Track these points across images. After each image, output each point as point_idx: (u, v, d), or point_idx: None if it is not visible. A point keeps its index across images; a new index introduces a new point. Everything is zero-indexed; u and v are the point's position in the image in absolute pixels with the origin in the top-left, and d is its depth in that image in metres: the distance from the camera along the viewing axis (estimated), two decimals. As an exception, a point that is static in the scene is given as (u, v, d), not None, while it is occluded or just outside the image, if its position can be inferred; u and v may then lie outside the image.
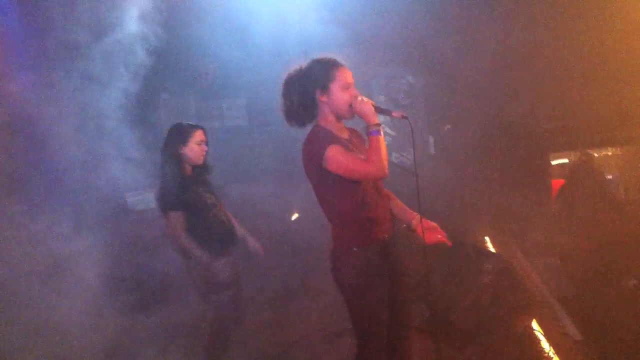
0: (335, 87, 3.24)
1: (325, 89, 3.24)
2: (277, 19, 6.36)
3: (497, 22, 6.83)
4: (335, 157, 3.13)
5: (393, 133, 7.00)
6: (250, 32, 6.17)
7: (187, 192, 4.11)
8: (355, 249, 3.28)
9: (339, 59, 3.39)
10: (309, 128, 3.42)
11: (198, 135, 4.21)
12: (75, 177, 5.24)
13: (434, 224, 3.55)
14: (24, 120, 5.15)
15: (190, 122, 4.33)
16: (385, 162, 3.16)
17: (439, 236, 3.52)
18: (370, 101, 3.28)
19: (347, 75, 3.29)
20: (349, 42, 7.04)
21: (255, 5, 6.10)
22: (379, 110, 3.26)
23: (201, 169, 4.29)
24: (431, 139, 7.14)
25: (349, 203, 3.25)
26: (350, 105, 3.25)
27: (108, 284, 5.26)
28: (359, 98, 3.26)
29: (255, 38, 6.21)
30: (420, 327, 4.75)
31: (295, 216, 6.66)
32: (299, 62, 3.39)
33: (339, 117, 3.33)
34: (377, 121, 3.20)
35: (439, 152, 7.15)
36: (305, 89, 3.28)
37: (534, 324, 4.70)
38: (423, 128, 7.11)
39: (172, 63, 6.17)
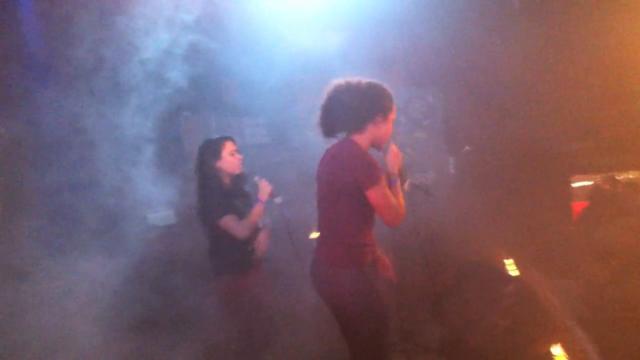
0: (390, 119, 3.43)
1: (385, 116, 3.39)
2: (298, 40, 6.42)
3: (518, 41, 6.81)
4: (382, 190, 3.25)
5: (413, 153, 6.98)
6: (271, 52, 6.23)
7: (230, 205, 4.16)
8: (359, 269, 3.38)
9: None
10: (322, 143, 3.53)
11: (229, 145, 4.28)
12: (97, 195, 5.31)
13: (387, 261, 3.71)
14: (45, 136, 5.25)
15: (218, 136, 4.40)
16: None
17: (389, 274, 3.69)
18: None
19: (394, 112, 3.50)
20: (367, 62, 7.07)
21: (277, 27, 6.15)
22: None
23: (239, 179, 4.33)
24: (451, 160, 7.11)
25: (365, 227, 3.41)
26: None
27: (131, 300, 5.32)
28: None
29: (276, 58, 6.26)
30: (436, 348, 4.72)
31: (315, 235, 6.65)
32: (344, 78, 3.51)
33: (371, 146, 3.47)
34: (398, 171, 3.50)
35: (458, 173, 7.11)
36: (366, 107, 3.36)
37: (555, 349, 4.63)
38: (442, 149, 7.09)
39: (193, 81, 6.22)
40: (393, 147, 3.52)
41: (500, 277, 5.04)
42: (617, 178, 6.87)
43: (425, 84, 7.21)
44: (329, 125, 3.43)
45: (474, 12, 6.79)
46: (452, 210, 6.76)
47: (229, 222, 4.10)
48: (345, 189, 3.29)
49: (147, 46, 5.80)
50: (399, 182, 3.46)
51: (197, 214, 4.27)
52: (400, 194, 3.42)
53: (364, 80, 3.45)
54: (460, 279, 5.33)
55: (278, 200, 4.34)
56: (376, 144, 3.47)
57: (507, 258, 6.15)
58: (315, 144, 5.08)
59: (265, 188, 4.25)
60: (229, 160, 4.24)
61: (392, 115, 3.46)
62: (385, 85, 3.48)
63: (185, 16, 5.79)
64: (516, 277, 5.60)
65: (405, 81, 7.46)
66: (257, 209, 4.21)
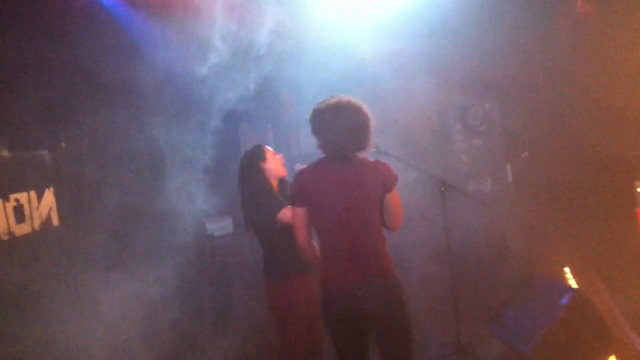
0: None
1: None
2: (355, 51, 6.47)
3: (579, 45, 6.69)
4: (396, 193, 3.53)
5: (469, 161, 6.93)
6: (325, 65, 6.29)
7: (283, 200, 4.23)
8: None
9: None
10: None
11: (268, 149, 4.41)
12: (155, 206, 5.48)
13: None
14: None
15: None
16: None
17: None
18: None
19: None
20: (423, 70, 7.07)
21: (334, 40, 6.22)
22: None
23: (283, 184, 4.40)
24: (509, 167, 7.02)
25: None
26: None
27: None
28: None
29: (329, 70, 6.33)
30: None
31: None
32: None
33: None
34: None
35: (516, 180, 7.02)
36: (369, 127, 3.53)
37: (613, 362, 4.53)
38: (500, 156, 7.01)
39: (252, 93, 6.36)
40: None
41: (558, 287, 4.93)
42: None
43: (482, 91, 7.14)
44: (336, 144, 3.44)
45: (531, 18, 6.70)
46: (510, 219, 6.69)
47: (288, 213, 4.04)
48: (380, 195, 3.47)
49: (207, 60, 5.98)
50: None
51: (248, 220, 4.32)
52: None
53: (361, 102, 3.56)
54: (519, 290, 5.25)
55: None
56: None
57: (566, 267, 6.02)
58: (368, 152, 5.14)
59: None
60: (274, 160, 4.34)
61: None
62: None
63: (243, 30, 5.95)
64: (574, 286, 5.49)
65: (462, 88, 7.42)
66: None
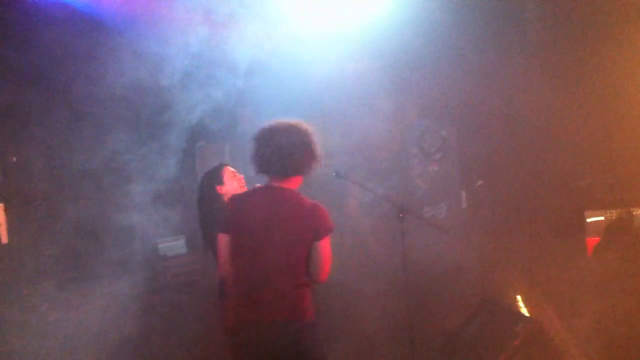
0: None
1: (318, 163, 3.38)
2: (314, 68, 6.46)
3: (533, 74, 6.83)
4: (328, 243, 3.28)
5: (424, 185, 6.98)
6: (286, 82, 6.26)
7: None
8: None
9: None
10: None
11: (228, 170, 4.27)
12: (108, 224, 5.34)
13: None
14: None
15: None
16: None
17: None
18: None
19: None
20: (384, 92, 7.11)
21: (294, 57, 6.19)
22: None
23: None
24: (463, 194, 7.10)
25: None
26: None
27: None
28: None
29: (291, 88, 6.30)
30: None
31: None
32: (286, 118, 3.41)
33: None
34: None
35: (471, 207, 7.09)
36: (311, 152, 3.33)
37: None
38: (455, 182, 7.08)
39: (208, 110, 6.27)
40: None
41: (511, 314, 4.98)
42: (634, 212, 6.80)
43: (439, 117, 7.23)
44: (265, 163, 3.32)
45: (489, 45, 6.82)
46: (465, 244, 6.74)
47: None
48: (309, 237, 3.23)
49: (163, 75, 5.88)
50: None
51: (207, 242, 4.23)
52: None
53: (305, 124, 3.39)
54: (471, 316, 5.28)
55: None
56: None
57: (518, 295, 6.09)
58: (325, 173, 5.11)
59: None
60: (232, 184, 4.23)
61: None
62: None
63: (202, 45, 5.87)
64: (527, 314, 5.55)
65: (419, 113, 7.49)
66: None
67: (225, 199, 4.13)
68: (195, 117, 5.96)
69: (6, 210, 4.49)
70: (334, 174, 4.89)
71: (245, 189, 4.22)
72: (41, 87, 5.38)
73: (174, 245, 6.26)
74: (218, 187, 4.17)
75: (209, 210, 4.13)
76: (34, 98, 5.36)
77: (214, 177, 4.24)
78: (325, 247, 3.24)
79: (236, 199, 3.42)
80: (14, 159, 5.18)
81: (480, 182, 7.14)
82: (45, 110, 5.29)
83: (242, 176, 4.31)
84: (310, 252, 3.25)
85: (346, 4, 6.17)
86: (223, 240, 3.37)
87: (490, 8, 6.57)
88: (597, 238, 6.84)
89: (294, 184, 3.36)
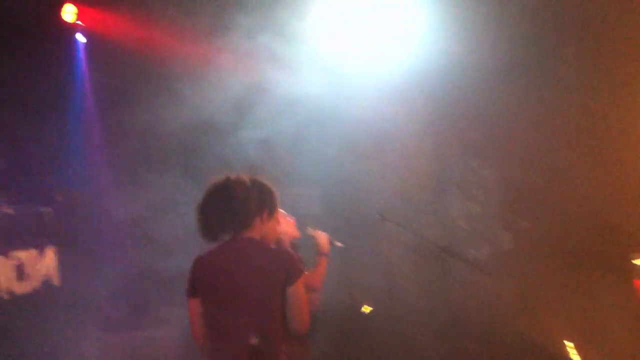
0: (277, 218, 3.30)
1: (272, 214, 3.24)
2: (352, 109, 6.47)
3: (577, 112, 6.71)
4: (301, 287, 3.08)
5: (465, 226, 6.87)
6: (325, 123, 6.28)
7: None
8: None
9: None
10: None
11: (279, 212, 4.19)
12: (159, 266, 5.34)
13: None
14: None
15: None
16: None
17: None
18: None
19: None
20: (422, 133, 7.08)
21: (329, 96, 6.22)
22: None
23: (297, 247, 4.24)
24: (506, 235, 6.95)
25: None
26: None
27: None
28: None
29: (330, 129, 6.32)
30: None
31: (365, 309, 6.54)
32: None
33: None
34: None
35: (515, 249, 6.93)
36: (253, 202, 3.16)
37: None
38: (498, 222, 6.95)
39: (247, 150, 6.31)
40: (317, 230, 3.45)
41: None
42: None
43: (480, 156, 7.14)
44: (212, 227, 3.10)
45: (531, 83, 6.72)
46: (509, 287, 6.58)
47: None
48: (273, 287, 3.03)
49: (204, 115, 5.96)
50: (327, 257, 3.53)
51: None
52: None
53: (246, 175, 3.22)
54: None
55: (339, 244, 4.23)
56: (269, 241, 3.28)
57: (568, 340, 5.88)
58: (367, 214, 5.03)
59: (323, 237, 4.15)
60: (285, 224, 4.18)
61: (277, 216, 3.29)
62: (270, 183, 3.31)
63: (240, 85, 5.96)
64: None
65: (459, 152, 7.42)
66: (323, 260, 4.05)
67: (282, 241, 4.09)
68: (234, 155, 6.01)
69: (57, 252, 4.55)
70: (377, 216, 4.85)
71: (297, 234, 4.17)
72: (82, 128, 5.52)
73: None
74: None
75: None
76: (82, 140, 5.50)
77: None
78: (298, 291, 3.04)
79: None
80: (61, 199, 5.27)
81: (524, 222, 6.99)
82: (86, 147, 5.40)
83: (294, 219, 4.20)
84: (286, 302, 3.06)
85: (384, 42, 6.20)
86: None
87: (532, 46, 6.50)
88: (647, 281, 6.62)
89: (256, 231, 3.18)
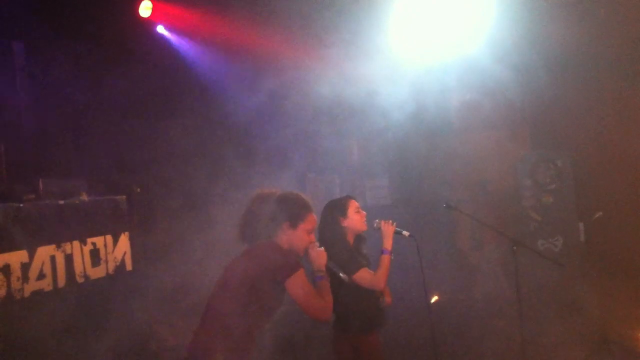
0: (302, 228, 3.44)
1: (294, 224, 3.42)
2: (422, 99, 6.47)
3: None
4: (301, 279, 3.21)
5: (539, 218, 6.78)
6: (394, 113, 6.30)
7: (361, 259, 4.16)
8: None
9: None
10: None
11: (353, 203, 4.22)
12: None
13: None
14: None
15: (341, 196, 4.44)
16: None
17: None
18: None
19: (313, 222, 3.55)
20: (495, 123, 7.01)
21: (400, 90, 6.23)
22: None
23: (360, 240, 4.31)
24: (581, 226, 6.81)
25: (255, 329, 3.31)
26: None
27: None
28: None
29: (398, 118, 6.33)
30: None
31: (435, 299, 6.56)
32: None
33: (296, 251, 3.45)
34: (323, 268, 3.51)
35: (589, 240, 6.79)
36: (276, 214, 3.41)
37: None
38: (572, 214, 6.82)
39: (315, 144, 6.42)
40: (314, 247, 3.50)
41: (635, 357, 4.71)
42: None
43: (553, 146, 7.02)
44: (248, 233, 3.47)
45: (605, 70, 6.55)
46: (582, 279, 6.47)
47: (365, 274, 4.00)
48: (264, 283, 3.22)
49: (276, 113, 6.09)
50: (325, 279, 3.42)
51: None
52: (328, 290, 3.37)
53: (280, 190, 3.52)
54: (593, 355, 5.04)
55: (406, 233, 4.27)
56: (294, 250, 3.45)
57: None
58: (436, 204, 5.02)
59: (389, 230, 4.18)
60: (356, 218, 4.23)
61: (306, 225, 3.47)
62: (303, 195, 3.55)
63: (312, 81, 6.05)
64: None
65: (532, 144, 7.32)
66: (385, 258, 4.09)
67: (345, 230, 4.18)
68: (304, 150, 6.12)
69: (131, 238, 4.76)
70: (444, 205, 4.84)
71: (365, 227, 4.26)
72: (162, 125, 5.73)
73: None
74: (341, 219, 4.18)
75: (329, 240, 4.15)
76: (158, 133, 5.71)
77: (339, 208, 4.22)
78: (294, 288, 3.20)
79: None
80: (139, 189, 5.49)
81: (599, 213, 6.83)
82: (169, 142, 5.60)
83: (364, 213, 4.26)
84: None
85: (453, 33, 6.16)
86: None
87: (605, 34, 6.33)
88: None
89: (280, 238, 3.43)
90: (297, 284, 3.20)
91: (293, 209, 3.47)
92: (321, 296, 3.30)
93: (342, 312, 4.13)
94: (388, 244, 4.13)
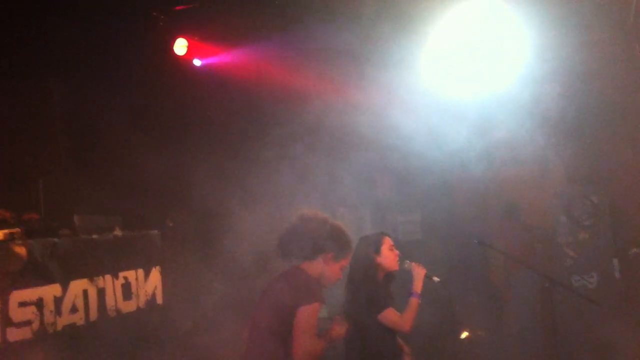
0: (341, 264, 3.58)
1: (337, 258, 3.53)
2: (455, 138, 6.45)
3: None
4: (315, 313, 3.24)
5: (574, 254, 6.68)
6: (427, 151, 6.29)
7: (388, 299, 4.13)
8: None
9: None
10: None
11: (387, 241, 4.14)
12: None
13: None
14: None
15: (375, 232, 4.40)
16: None
17: None
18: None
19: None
20: (529, 159, 6.95)
21: (434, 126, 6.23)
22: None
23: (388, 277, 4.25)
24: (616, 263, 6.67)
25: None
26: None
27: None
28: None
29: (432, 156, 6.31)
30: None
31: (465, 335, 6.45)
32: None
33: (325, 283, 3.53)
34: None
35: (625, 277, 6.64)
36: (323, 239, 3.49)
37: None
38: (607, 251, 6.69)
39: (349, 178, 6.42)
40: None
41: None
42: None
43: (589, 182, 6.93)
44: (286, 249, 3.50)
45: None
46: (618, 317, 6.31)
47: (391, 315, 3.94)
48: (283, 314, 3.27)
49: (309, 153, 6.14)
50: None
51: (347, 310, 4.20)
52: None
53: (324, 215, 3.58)
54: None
55: (436, 279, 4.20)
56: (323, 281, 3.49)
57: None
58: (466, 239, 4.95)
59: (419, 273, 4.09)
60: (389, 256, 4.18)
61: (344, 263, 3.58)
62: (348, 232, 3.62)
63: (348, 116, 6.10)
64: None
65: (568, 179, 7.24)
66: (414, 301, 3.99)
67: (379, 269, 4.13)
68: (334, 184, 6.14)
69: (162, 272, 4.81)
70: (475, 241, 4.78)
71: (397, 267, 4.16)
72: (194, 157, 5.82)
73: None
74: (374, 256, 4.08)
75: (361, 277, 4.11)
76: (192, 167, 5.80)
77: (373, 245, 4.15)
78: (300, 319, 3.21)
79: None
80: (171, 224, 5.56)
81: (635, 250, 6.69)
82: (198, 179, 5.67)
83: (397, 252, 4.18)
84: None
85: (488, 68, 6.17)
86: None
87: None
88: None
89: (315, 267, 3.48)
90: (307, 315, 3.22)
91: (342, 244, 3.55)
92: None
93: (367, 351, 4.08)
94: (418, 287, 4.05)
